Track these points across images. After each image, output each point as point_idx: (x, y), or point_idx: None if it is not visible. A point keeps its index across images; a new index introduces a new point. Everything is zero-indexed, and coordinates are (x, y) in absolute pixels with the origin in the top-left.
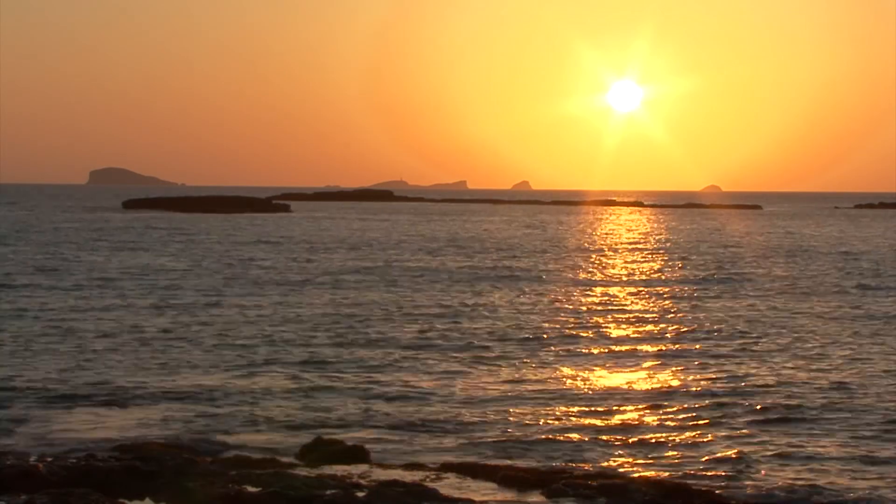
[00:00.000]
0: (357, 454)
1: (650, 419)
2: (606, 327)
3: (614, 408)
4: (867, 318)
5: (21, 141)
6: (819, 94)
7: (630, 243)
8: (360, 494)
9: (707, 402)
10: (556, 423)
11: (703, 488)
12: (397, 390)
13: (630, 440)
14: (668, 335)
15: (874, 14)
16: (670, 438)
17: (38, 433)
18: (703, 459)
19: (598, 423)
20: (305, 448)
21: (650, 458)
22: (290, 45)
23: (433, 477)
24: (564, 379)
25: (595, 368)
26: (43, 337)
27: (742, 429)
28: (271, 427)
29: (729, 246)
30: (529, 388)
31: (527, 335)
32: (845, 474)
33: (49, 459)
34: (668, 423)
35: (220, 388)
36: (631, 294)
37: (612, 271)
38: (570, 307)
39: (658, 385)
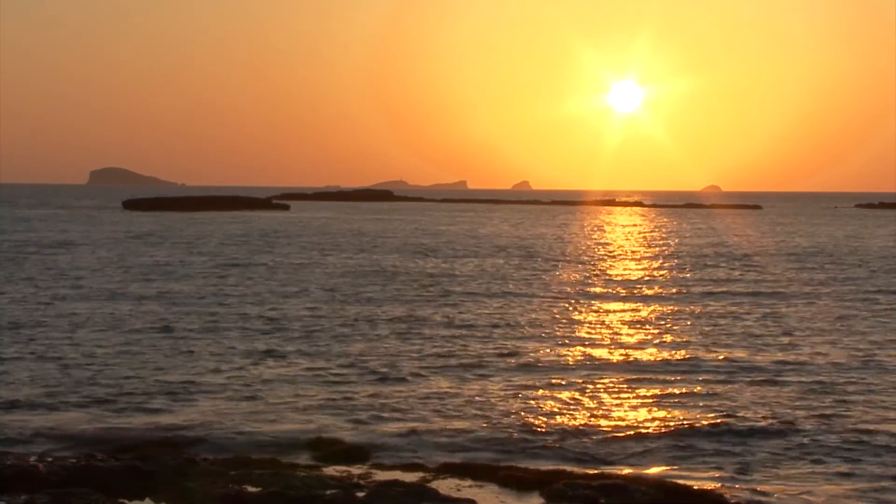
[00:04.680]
0: (357, 454)
1: (650, 419)
2: (607, 328)
3: (614, 408)
4: (880, 319)
5: (21, 141)
6: (818, 93)
7: (633, 245)
8: (360, 494)
9: (708, 402)
10: (557, 423)
11: (703, 488)
12: (397, 390)
13: (630, 440)
14: (668, 336)
15: (873, 14)
16: (670, 438)
17: (38, 433)
18: (703, 459)
19: (599, 423)
20: (305, 448)
21: (650, 458)
22: (291, 45)
23: (433, 477)
24: (565, 379)
25: (596, 369)
26: (43, 336)
27: (743, 429)
28: (271, 427)
29: (734, 247)
30: (530, 388)
31: (525, 337)
32: (847, 474)
33: (49, 459)
34: (668, 423)
35: (220, 388)
36: (632, 296)
37: (613, 274)
38: (572, 309)
39: (658, 385)
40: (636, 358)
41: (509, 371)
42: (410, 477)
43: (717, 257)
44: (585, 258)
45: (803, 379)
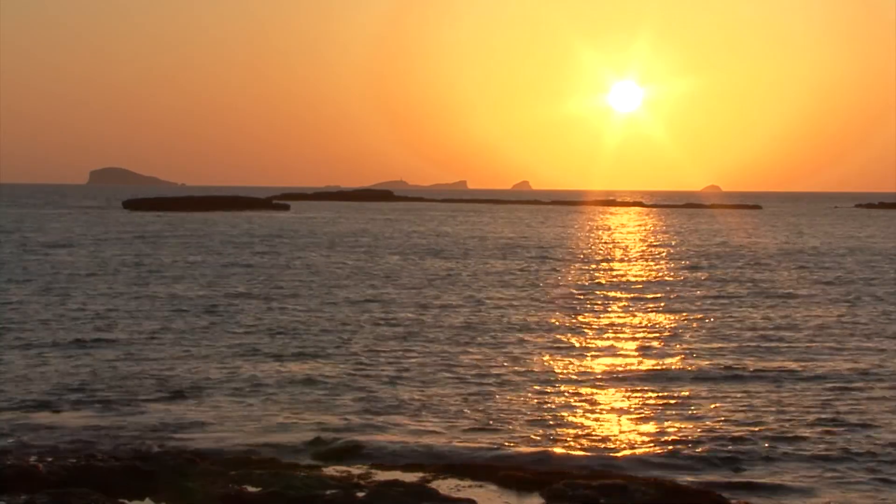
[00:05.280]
0: (357, 454)
1: (650, 420)
2: (609, 329)
3: (615, 408)
4: (881, 321)
5: (21, 141)
6: (818, 93)
7: (640, 246)
8: (360, 494)
9: (710, 403)
10: (557, 423)
11: (703, 488)
12: (399, 390)
13: (630, 440)
14: (672, 338)
15: (873, 14)
16: (671, 439)
17: (38, 433)
18: (704, 460)
19: (599, 423)
20: (305, 448)
21: (650, 458)
22: (291, 44)
23: (433, 477)
24: (565, 380)
25: (596, 370)
26: (45, 335)
27: (744, 431)
28: (271, 427)
29: (740, 247)
30: (530, 389)
31: (527, 337)
32: (848, 476)
33: (49, 459)
34: (669, 423)
35: (220, 387)
36: (634, 296)
37: (619, 275)
38: (576, 310)
39: (661, 387)
40: (640, 360)
41: (510, 372)
42: (410, 477)
43: (725, 258)
44: (592, 259)
45: (808, 382)
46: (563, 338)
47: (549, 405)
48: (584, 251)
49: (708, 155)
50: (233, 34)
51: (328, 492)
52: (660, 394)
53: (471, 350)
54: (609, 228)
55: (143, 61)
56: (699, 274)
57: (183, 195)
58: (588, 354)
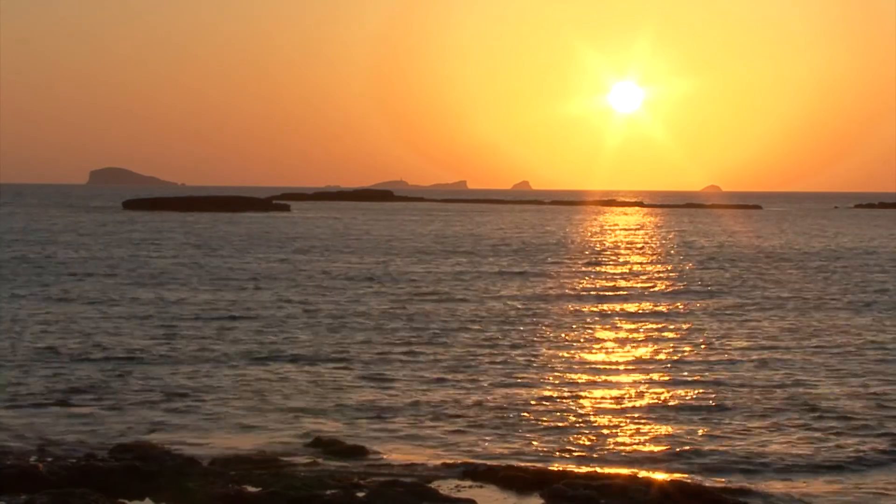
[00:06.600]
0: (357, 454)
1: (650, 420)
2: (607, 329)
3: (615, 408)
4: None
5: (21, 141)
6: (818, 93)
7: (638, 247)
8: (360, 494)
9: (708, 403)
10: (557, 423)
11: (704, 489)
12: (398, 391)
13: (630, 440)
14: (669, 336)
15: (872, 14)
16: (670, 439)
17: (38, 433)
18: (704, 459)
19: (599, 423)
20: (305, 448)
21: (650, 458)
22: (291, 44)
23: (433, 477)
24: (564, 380)
25: (595, 370)
26: (45, 336)
27: (743, 430)
28: (271, 427)
29: (747, 248)
30: (530, 388)
31: (528, 336)
32: (848, 477)
33: (49, 459)
34: (668, 423)
35: (220, 387)
36: (633, 296)
37: (615, 274)
38: (581, 312)
39: (659, 386)
40: (643, 362)
41: (511, 373)
42: (410, 477)
43: (730, 258)
44: (597, 260)
45: (816, 387)
46: (566, 340)
47: (550, 406)
48: (590, 252)
49: (708, 155)
50: (233, 34)
51: (328, 492)
52: (662, 395)
53: (472, 351)
54: (612, 228)
55: (143, 61)
56: (705, 275)
57: (183, 195)
58: (591, 356)
